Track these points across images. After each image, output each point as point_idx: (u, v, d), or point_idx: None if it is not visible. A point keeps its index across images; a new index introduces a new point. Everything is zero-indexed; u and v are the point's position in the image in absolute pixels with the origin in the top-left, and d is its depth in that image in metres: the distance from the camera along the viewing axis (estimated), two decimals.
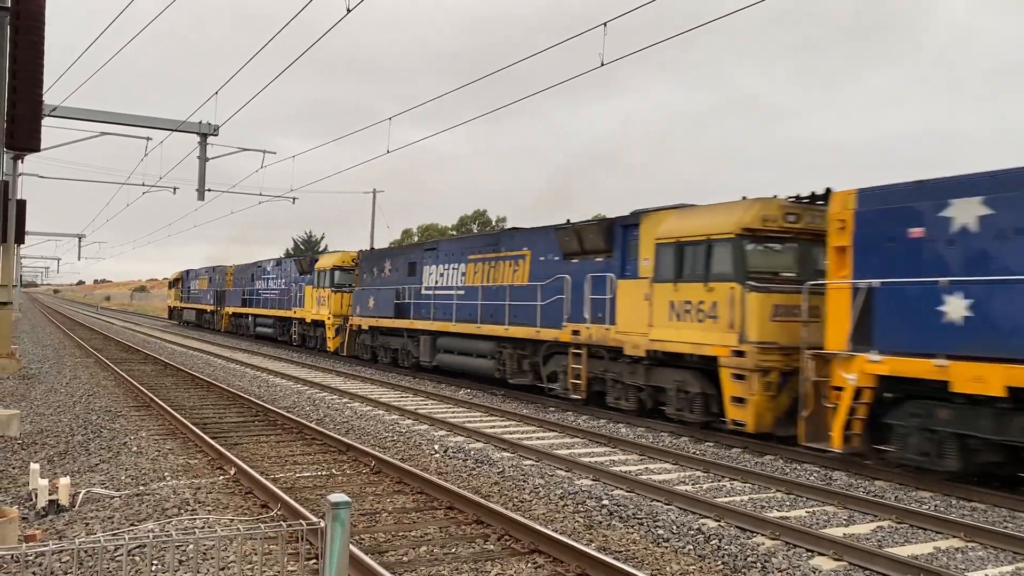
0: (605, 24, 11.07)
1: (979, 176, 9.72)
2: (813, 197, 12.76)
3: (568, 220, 17.06)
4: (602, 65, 11.58)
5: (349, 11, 10.73)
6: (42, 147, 6.43)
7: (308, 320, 30.71)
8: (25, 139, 6.28)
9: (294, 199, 29.34)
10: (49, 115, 15.99)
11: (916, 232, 10.17)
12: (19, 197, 16.82)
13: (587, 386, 15.96)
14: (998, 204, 9.34)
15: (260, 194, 29.00)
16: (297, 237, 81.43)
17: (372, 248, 30.28)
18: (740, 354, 12.21)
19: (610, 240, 15.58)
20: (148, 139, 20.62)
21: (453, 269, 21.51)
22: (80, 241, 54.49)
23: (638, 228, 14.77)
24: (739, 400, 12.30)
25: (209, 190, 21.26)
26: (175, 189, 28.01)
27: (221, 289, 45.01)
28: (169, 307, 63.04)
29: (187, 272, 54.27)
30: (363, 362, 26.21)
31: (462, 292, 20.70)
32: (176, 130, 19.11)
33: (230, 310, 43.12)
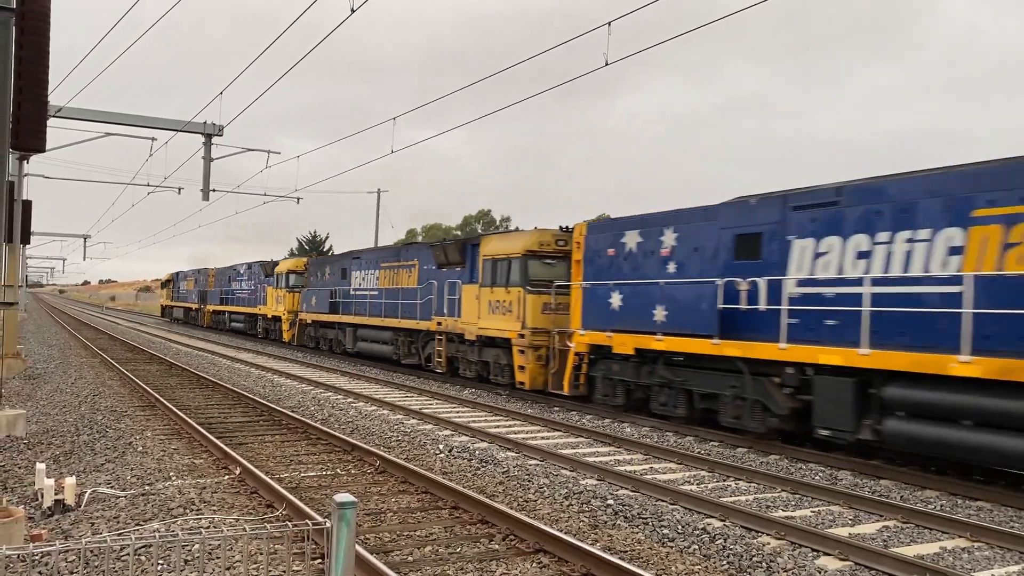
0: (609, 24, 11.06)
1: (638, 216, 15.30)
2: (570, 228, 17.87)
3: (444, 238, 23.04)
4: (606, 64, 11.58)
5: (353, 11, 10.73)
6: (47, 148, 6.44)
7: (269, 316, 36.37)
8: (30, 140, 6.28)
9: (298, 199, 29.34)
10: (54, 116, 16.02)
11: (609, 252, 15.71)
12: (24, 197, 16.86)
13: (447, 363, 21.32)
14: (645, 235, 14.90)
15: (264, 194, 29.04)
16: (302, 237, 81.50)
17: (326, 254, 34.94)
18: (522, 336, 17.75)
19: (463, 255, 20.60)
20: (153, 140, 20.65)
21: (370, 274, 26.42)
22: (85, 241, 54.56)
23: (478, 247, 19.89)
24: (522, 368, 17.91)
25: (214, 190, 21.27)
26: (180, 189, 28.01)
27: (204, 289, 49.94)
28: (162, 306, 69.12)
29: (177, 274, 59.58)
30: (313, 350, 30.95)
31: (375, 293, 25.77)
32: (181, 130, 19.13)
33: (211, 308, 48.64)
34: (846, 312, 11.02)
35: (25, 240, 15.94)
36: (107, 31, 13.29)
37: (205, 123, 19.33)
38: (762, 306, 12.22)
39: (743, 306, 12.61)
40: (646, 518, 8.29)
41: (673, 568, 6.80)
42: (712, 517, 8.37)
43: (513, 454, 11.59)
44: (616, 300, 14.92)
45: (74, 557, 6.40)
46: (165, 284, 66.25)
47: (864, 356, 10.57)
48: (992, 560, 7.36)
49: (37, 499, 8.29)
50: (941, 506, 9.25)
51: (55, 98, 15.31)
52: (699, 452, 12.07)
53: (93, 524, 7.59)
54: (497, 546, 7.19)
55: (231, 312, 43.83)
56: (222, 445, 10.87)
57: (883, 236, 10.84)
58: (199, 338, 39.28)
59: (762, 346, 12.02)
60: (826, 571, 6.85)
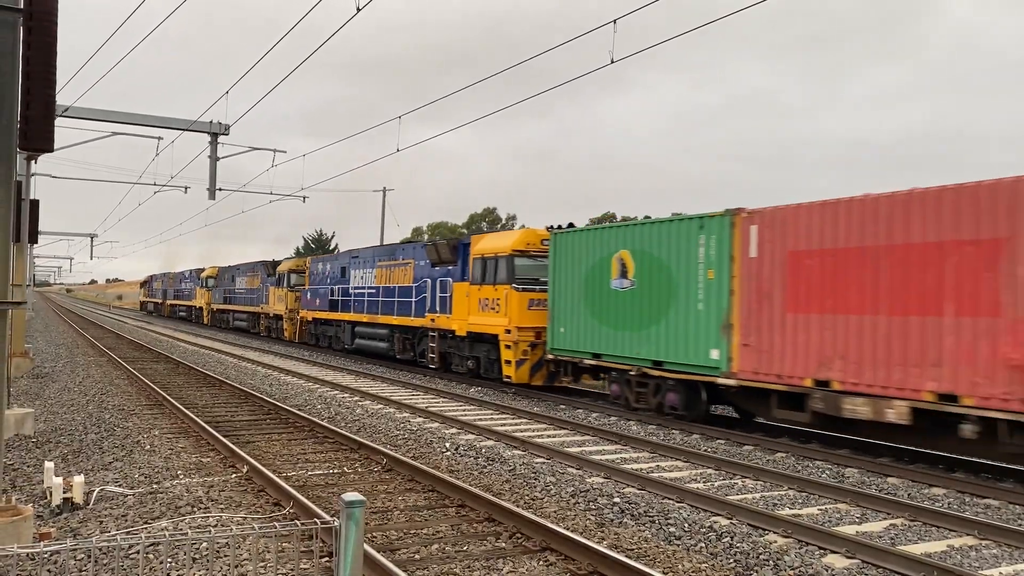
0: (615, 21, 11.05)
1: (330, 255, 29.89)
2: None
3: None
4: (612, 62, 11.56)
5: (359, 10, 10.74)
6: (55, 147, 6.45)
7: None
8: (39, 140, 6.29)
9: (304, 198, 29.37)
10: (61, 115, 16.07)
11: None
12: (32, 197, 16.92)
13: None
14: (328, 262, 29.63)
15: (271, 193, 29.02)
16: (307, 235, 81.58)
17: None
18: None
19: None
20: (159, 139, 20.68)
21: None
22: (92, 240, 54.64)
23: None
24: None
25: (220, 189, 21.27)
26: (186, 188, 28.05)
27: (166, 288, 65.79)
28: (140, 301, 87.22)
29: (151, 276, 76.64)
30: (316, 348, 32.01)
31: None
32: (187, 129, 19.16)
33: (169, 302, 62.65)
34: (357, 301, 27.07)
35: (33, 239, 15.95)
36: (114, 31, 13.33)
37: (211, 122, 19.35)
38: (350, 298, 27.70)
39: (340, 298, 28.72)
40: (653, 516, 8.29)
41: (680, 566, 6.80)
42: (719, 515, 8.37)
43: (519, 452, 11.60)
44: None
45: (82, 555, 6.43)
46: (143, 285, 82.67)
47: (354, 316, 27.18)
48: (1000, 558, 7.35)
49: (46, 497, 8.32)
50: (949, 504, 9.23)
51: (62, 98, 15.35)
52: (706, 450, 12.06)
53: (101, 522, 7.62)
54: (504, 544, 7.20)
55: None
56: (229, 443, 10.90)
57: (360, 271, 27.28)
58: (206, 336, 39.41)
59: (351, 315, 27.58)
60: (833, 569, 6.85)
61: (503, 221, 72.20)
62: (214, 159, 19.83)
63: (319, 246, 77.86)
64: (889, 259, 10.96)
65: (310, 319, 32.50)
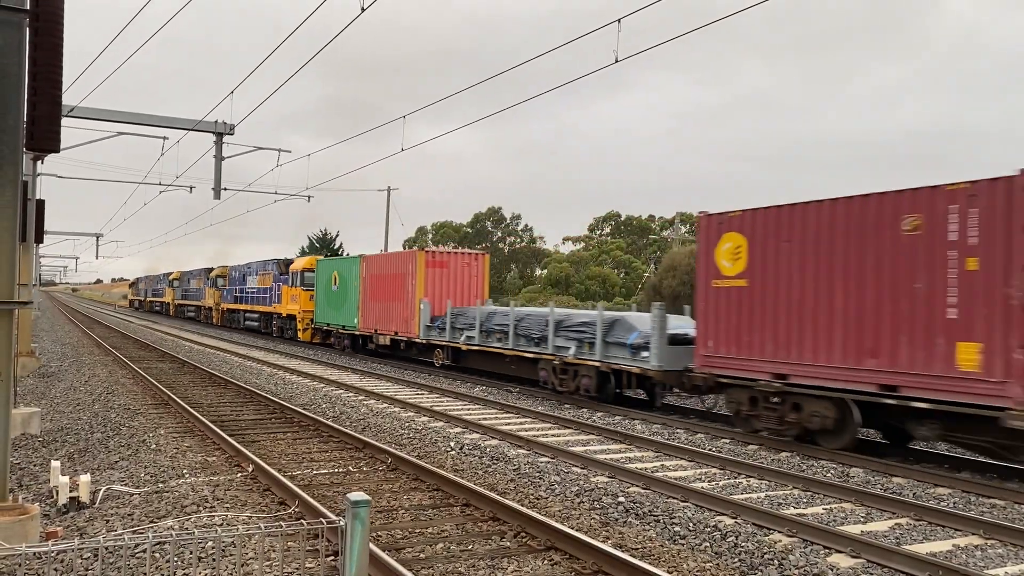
0: (619, 21, 11.04)
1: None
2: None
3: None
4: (616, 62, 11.56)
5: (364, 10, 10.75)
6: (61, 148, 6.47)
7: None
8: (45, 140, 6.32)
9: (309, 197, 29.44)
10: (67, 115, 16.11)
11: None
12: (38, 197, 16.97)
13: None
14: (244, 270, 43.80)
15: (276, 192, 29.08)
16: (312, 235, 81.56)
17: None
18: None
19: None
20: (164, 139, 20.73)
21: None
22: (98, 240, 54.85)
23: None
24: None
25: (225, 189, 21.34)
26: (191, 188, 28.21)
27: (147, 287, 79.61)
28: (128, 299, 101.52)
29: (138, 278, 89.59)
30: (322, 346, 33.68)
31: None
32: (192, 129, 19.21)
33: (150, 299, 76.99)
34: (248, 297, 42.80)
35: (38, 239, 16.03)
36: (119, 32, 13.36)
37: (216, 122, 19.39)
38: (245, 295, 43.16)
39: (240, 295, 44.20)
40: (657, 515, 8.29)
41: (684, 566, 6.80)
42: (724, 515, 8.37)
43: (524, 451, 11.61)
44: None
45: (89, 554, 6.45)
46: (132, 285, 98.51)
47: (246, 307, 43.21)
48: (1005, 558, 7.33)
49: (52, 496, 8.36)
50: (954, 503, 9.22)
51: (67, 98, 15.37)
52: (710, 449, 12.06)
53: (108, 521, 7.65)
54: (508, 543, 7.21)
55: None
56: (234, 443, 10.93)
57: (252, 277, 42.47)
58: (211, 336, 39.53)
59: (244, 306, 43.65)
60: (838, 569, 6.84)
61: (508, 220, 72.19)
62: (219, 159, 19.89)
63: (324, 246, 77.90)
64: None
65: (225, 309, 47.48)
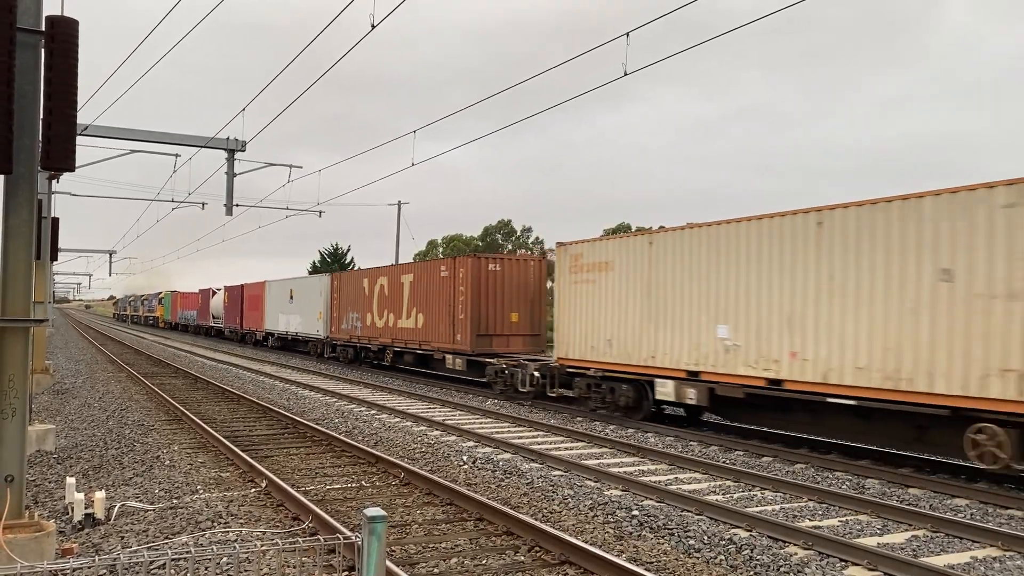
0: (628, 34, 11.08)
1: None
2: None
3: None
4: (625, 75, 11.59)
5: (374, 27, 10.83)
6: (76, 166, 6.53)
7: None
8: (60, 159, 6.38)
9: (320, 212, 29.53)
10: (81, 134, 16.26)
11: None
12: (53, 215, 17.12)
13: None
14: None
15: (287, 208, 29.18)
16: (323, 250, 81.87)
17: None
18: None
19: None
20: (177, 156, 20.88)
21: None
22: (111, 257, 55.20)
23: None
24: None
25: (237, 205, 21.43)
26: (204, 204, 28.25)
27: (126, 304, 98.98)
28: (113, 313, 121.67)
29: (121, 298, 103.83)
30: (335, 362, 33.62)
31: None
32: (204, 146, 19.34)
33: (130, 312, 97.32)
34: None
35: (53, 257, 16.16)
36: (131, 51, 13.50)
37: (228, 139, 19.52)
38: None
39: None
40: (672, 529, 8.25)
41: None
42: (738, 527, 8.33)
43: (537, 465, 11.58)
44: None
45: (105, 570, 6.47)
46: (115, 304, 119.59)
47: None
48: None
49: (67, 513, 8.39)
50: (971, 515, 9.14)
51: (81, 116, 15.51)
52: (724, 462, 12.00)
53: (123, 538, 7.67)
54: (522, 558, 7.19)
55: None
56: (248, 458, 10.95)
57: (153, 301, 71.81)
58: (224, 351, 39.69)
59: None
60: None
61: (518, 233, 72.27)
62: (231, 175, 20.00)
63: (335, 260, 78.12)
64: None
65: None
